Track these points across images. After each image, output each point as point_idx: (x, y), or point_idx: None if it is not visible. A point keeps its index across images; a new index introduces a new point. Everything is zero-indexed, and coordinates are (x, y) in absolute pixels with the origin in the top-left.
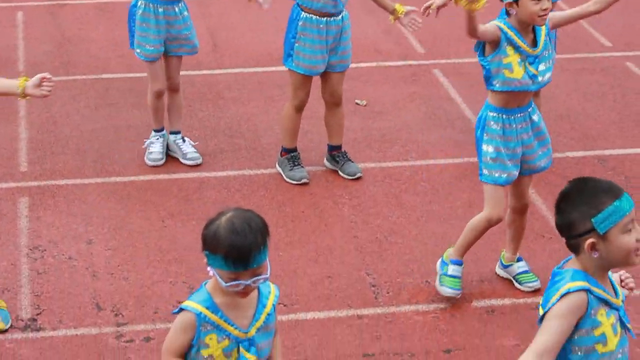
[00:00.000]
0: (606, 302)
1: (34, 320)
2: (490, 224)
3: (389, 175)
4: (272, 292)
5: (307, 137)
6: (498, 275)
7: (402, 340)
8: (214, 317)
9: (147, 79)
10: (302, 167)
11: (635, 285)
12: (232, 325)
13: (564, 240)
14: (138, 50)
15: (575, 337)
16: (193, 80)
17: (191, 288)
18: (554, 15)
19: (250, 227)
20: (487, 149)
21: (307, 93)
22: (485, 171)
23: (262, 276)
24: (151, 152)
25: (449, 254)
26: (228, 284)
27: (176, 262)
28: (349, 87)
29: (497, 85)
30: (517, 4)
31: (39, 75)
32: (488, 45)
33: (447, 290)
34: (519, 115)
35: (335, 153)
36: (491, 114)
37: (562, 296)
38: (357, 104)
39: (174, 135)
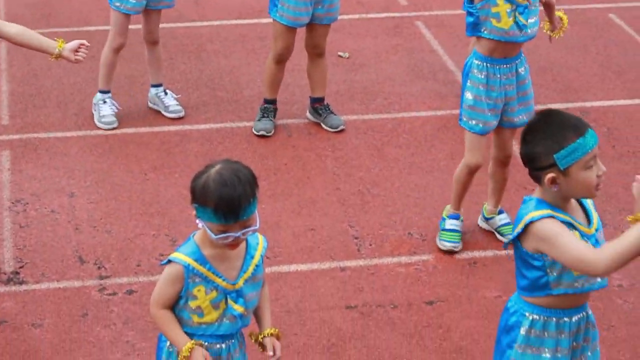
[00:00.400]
0: (574, 227)
1: (17, 273)
2: (470, 170)
3: (371, 128)
4: (260, 243)
5: (289, 89)
6: (480, 228)
7: (384, 292)
8: (202, 269)
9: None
10: (271, 120)
11: None
12: (220, 277)
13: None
14: (117, 4)
15: (550, 260)
16: (174, 33)
17: (174, 241)
18: None
19: (239, 178)
20: (467, 95)
21: (288, 46)
22: (464, 117)
23: (252, 228)
24: (103, 116)
25: (447, 210)
26: (218, 236)
27: (159, 214)
28: (331, 40)
29: (485, 32)
30: None
31: (77, 42)
32: None
33: (445, 244)
34: (504, 66)
35: (318, 106)
36: (476, 61)
37: (526, 226)
38: (339, 56)
39: (156, 88)
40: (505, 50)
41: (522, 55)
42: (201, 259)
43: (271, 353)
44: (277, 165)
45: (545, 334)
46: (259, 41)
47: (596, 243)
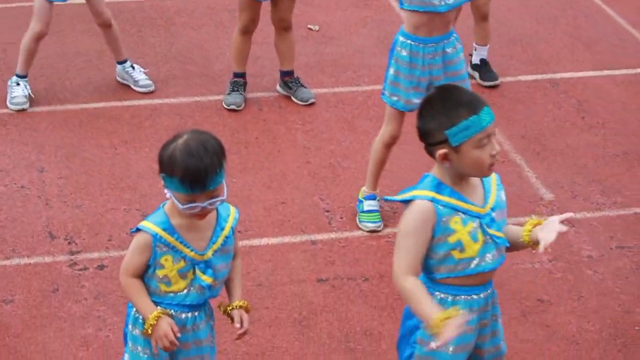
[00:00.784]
0: (457, 211)
1: None
2: (385, 143)
3: (341, 101)
4: (231, 214)
5: (259, 62)
6: None
7: (355, 265)
8: (169, 239)
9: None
10: (241, 94)
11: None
12: (187, 247)
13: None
14: None
15: (432, 244)
16: (143, 6)
17: (145, 215)
18: None
19: (206, 149)
20: (390, 71)
21: (253, 19)
22: (386, 92)
23: (219, 198)
24: (14, 97)
25: (363, 192)
26: (184, 206)
27: (129, 189)
28: (300, 12)
29: (406, 3)
30: None
31: None
32: None
33: (367, 225)
34: (430, 45)
35: (288, 79)
36: (401, 38)
37: (408, 201)
38: (309, 29)
39: (121, 65)
40: (430, 28)
41: (454, 34)
42: (169, 229)
43: (238, 325)
44: (248, 138)
45: None
46: (227, 14)
47: (492, 222)
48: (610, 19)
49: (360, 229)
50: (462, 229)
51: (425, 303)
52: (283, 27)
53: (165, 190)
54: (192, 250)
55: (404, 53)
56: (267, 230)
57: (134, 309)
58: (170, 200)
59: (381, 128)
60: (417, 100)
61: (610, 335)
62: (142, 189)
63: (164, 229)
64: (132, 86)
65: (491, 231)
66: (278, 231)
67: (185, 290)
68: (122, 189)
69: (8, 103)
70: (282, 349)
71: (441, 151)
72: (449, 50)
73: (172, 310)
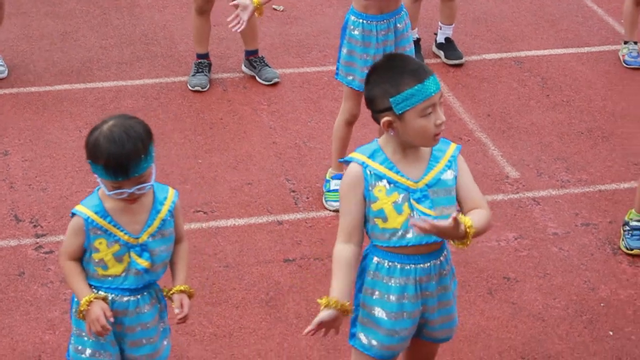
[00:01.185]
0: (389, 180)
1: None
2: (347, 121)
3: (307, 81)
4: (169, 197)
5: (223, 44)
6: None
7: (322, 245)
8: (102, 222)
9: None
10: (206, 75)
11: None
12: (121, 231)
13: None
14: None
15: (365, 208)
16: None
17: None
18: None
19: (128, 135)
20: (343, 51)
21: None
22: (340, 72)
23: (146, 184)
24: None
25: (330, 172)
26: (112, 192)
27: None
28: None
29: None
30: None
31: None
32: None
33: (333, 205)
34: (382, 22)
35: (252, 58)
36: (352, 18)
37: (348, 162)
38: (274, 9)
39: None
40: (380, 6)
41: (403, 9)
42: (102, 212)
43: (177, 310)
44: (213, 119)
45: (392, 280)
46: None
47: (424, 198)
48: None
49: (326, 209)
50: (385, 198)
51: None
52: None
53: (96, 175)
54: (126, 234)
55: (357, 32)
56: (233, 211)
57: None
58: None
59: (340, 107)
60: None
61: (576, 312)
62: None
63: (96, 212)
64: None
65: (419, 207)
66: (244, 212)
67: (123, 274)
68: (87, 171)
69: None
70: (250, 330)
71: (386, 119)
72: (399, 25)
73: (113, 294)
